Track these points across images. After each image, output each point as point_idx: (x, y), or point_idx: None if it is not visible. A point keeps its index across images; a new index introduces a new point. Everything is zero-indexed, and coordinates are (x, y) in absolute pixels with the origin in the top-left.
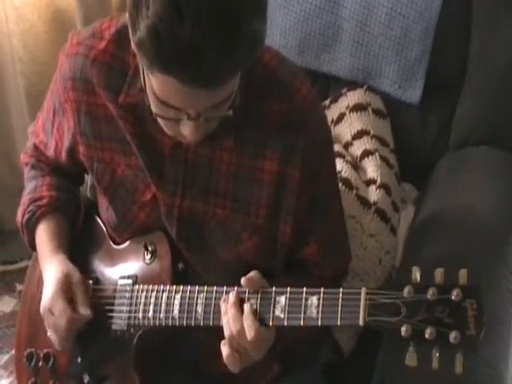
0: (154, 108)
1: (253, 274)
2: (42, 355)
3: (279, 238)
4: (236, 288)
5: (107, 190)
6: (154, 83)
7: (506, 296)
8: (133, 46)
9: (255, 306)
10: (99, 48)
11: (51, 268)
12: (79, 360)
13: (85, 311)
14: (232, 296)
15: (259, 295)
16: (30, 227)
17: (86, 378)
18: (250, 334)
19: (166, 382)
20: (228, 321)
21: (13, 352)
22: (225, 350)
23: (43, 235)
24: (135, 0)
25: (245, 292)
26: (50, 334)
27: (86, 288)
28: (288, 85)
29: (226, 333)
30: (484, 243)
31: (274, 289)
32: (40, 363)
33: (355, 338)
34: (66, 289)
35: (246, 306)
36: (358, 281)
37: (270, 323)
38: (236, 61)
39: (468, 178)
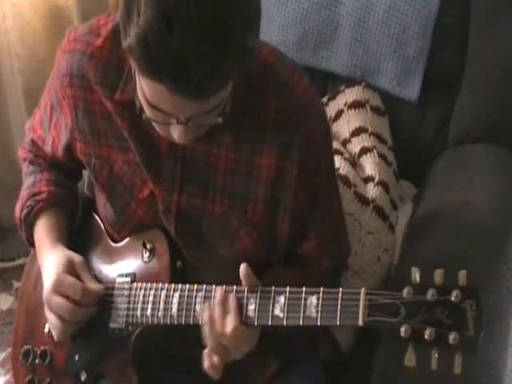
0: (144, 110)
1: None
2: (38, 352)
3: (277, 234)
4: (224, 287)
5: (105, 186)
6: (145, 87)
7: (504, 294)
8: (124, 48)
9: (242, 303)
10: (96, 44)
11: (51, 258)
12: (76, 357)
13: (96, 286)
14: (219, 294)
15: (258, 294)
16: (29, 222)
17: (83, 376)
18: (228, 328)
19: (163, 380)
20: (212, 320)
21: (10, 350)
22: (206, 361)
23: (42, 230)
24: (127, 5)
25: (243, 291)
26: (51, 320)
27: (89, 270)
28: (286, 81)
29: (208, 331)
30: (483, 241)
31: (273, 288)
32: (37, 360)
33: (354, 337)
34: (71, 270)
35: (231, 303)
36: (356, 278)
37: (256, 323)
38: (225, 74)
39: (466, 175)
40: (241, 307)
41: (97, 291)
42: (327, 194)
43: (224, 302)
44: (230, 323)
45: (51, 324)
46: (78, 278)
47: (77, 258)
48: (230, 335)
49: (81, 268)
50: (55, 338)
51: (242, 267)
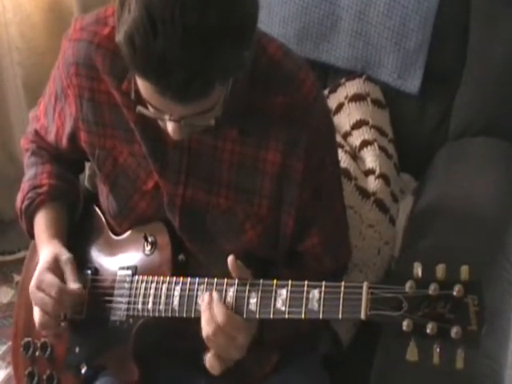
0: (139, 103)
1: (239, 262)
2: (39, 344)
3: (281, 230)
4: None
5: (108, 177)
6: (138, 81)
7: (506, 288)
8: (116, 42)
9: (243, 296)
10: (103, 34)
11: (43, 254)
12: (77, 350)
13: (74, 285)
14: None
15: (260, 288)
16: (29, 214)
17: (84, 368)
18: (219, 318)
19: (164, 372)
20: (207, 320)
21: (10, 343)
22: (208, 359)
23: (41, 223)
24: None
25: (246, 284)
26: (34, 313)
27: (74, 267)
28: (293, 77)
29: (205, 330)
30: (483, 234)
31: (275, 281)
32: (37, 353)
33: (354, 330)
34: (54, 268)
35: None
36: (357, 271)
37: (257, 316)
38: (206, 83)
39: (467, 168)
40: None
41: (74, 291)
42: (331, 193)
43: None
44: (220, 313)
45: (35, 317)
46: (62, 275)
47: (64, 255)
48: (224, 324)
49: (65, 265)
50: (38, 327)
51: (229, 259)
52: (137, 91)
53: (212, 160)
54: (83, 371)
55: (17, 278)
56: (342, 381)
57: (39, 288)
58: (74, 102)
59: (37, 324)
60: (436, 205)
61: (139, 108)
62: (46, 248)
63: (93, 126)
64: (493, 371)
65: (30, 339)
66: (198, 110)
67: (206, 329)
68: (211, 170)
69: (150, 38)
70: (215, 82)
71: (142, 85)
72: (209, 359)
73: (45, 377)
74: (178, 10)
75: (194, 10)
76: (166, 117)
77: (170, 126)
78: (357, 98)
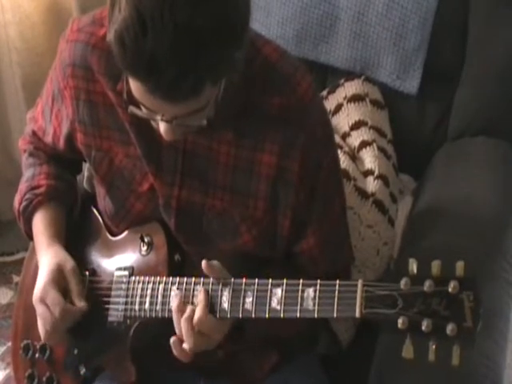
0: (131, 103)
1: (215, 262)
2: (38, 347)
3: (278, 232)
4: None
5: (104, 178)
6: (130, 81)
7: (504, 288)
8: (107, 42)
9: (239, 296)
10: (99, 35)
11: (46, 258)
12: (75, 351)
13: (79, 303)
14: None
15: (255, 287)
16: (27, 215)
17: (83, 370)
18: (195, 319)
19: (162, 373)
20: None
21: (9, 344)
22: (175, 349)
23: (40, 224)
24: (112, 0)
25: (241, 284)
26: (39, 324)
27: (79, 278)
28: (288, 78)
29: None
30: (482, 235)
31: (270, 281)
32: (36, 355)
33: (353, 329)
34: (59, 279)
35: (200, 296)
36: (356, 272)
37: (217, 316)
38: (196, 83)
39: (466, 168)
40: (210, 300)
41: (79, 310)
42: (328, 194)
43: (181, 309)
44: (196, 314)
45: (39, 327)
46: (67, 288)
47: (68, 263)
48: (195, 324)
49: (70, 277)
50: (43, 339)
51: (203, 264)
52: (129, 91)
53: (207, 162)
54: (82, 372)
55: (16, 278)
56: (341, 380)
57: (43, 301)
58: (71, 103)
59: (41, 336)
60: (435, 205)
61: (131, 108)
62: (48, 254)
63: (89, 128)
64: (491, 371)
65: (29, 341)
66: (189, 109)
67: (177, 330)
68: (206, 172)
69: (139, 37)
70: (205, 82)
71: (134, 84)
72: (175, 343)
73: (44, 379)
74: (168, 9)
75: (183, 9)
76: (158, 117)
77: (162, 127)
78: (356, 98)
